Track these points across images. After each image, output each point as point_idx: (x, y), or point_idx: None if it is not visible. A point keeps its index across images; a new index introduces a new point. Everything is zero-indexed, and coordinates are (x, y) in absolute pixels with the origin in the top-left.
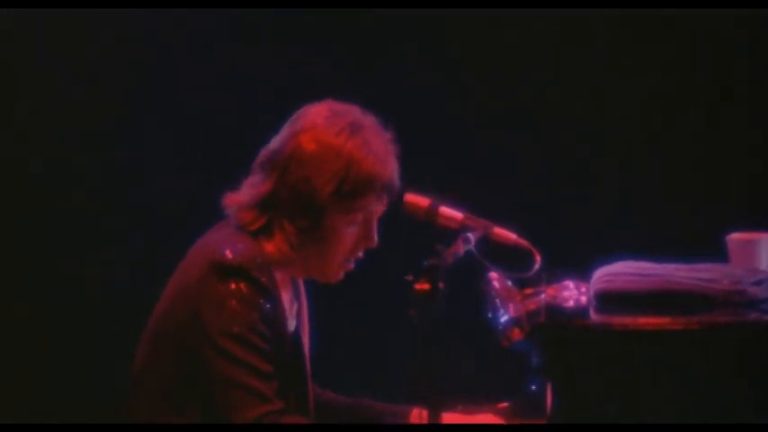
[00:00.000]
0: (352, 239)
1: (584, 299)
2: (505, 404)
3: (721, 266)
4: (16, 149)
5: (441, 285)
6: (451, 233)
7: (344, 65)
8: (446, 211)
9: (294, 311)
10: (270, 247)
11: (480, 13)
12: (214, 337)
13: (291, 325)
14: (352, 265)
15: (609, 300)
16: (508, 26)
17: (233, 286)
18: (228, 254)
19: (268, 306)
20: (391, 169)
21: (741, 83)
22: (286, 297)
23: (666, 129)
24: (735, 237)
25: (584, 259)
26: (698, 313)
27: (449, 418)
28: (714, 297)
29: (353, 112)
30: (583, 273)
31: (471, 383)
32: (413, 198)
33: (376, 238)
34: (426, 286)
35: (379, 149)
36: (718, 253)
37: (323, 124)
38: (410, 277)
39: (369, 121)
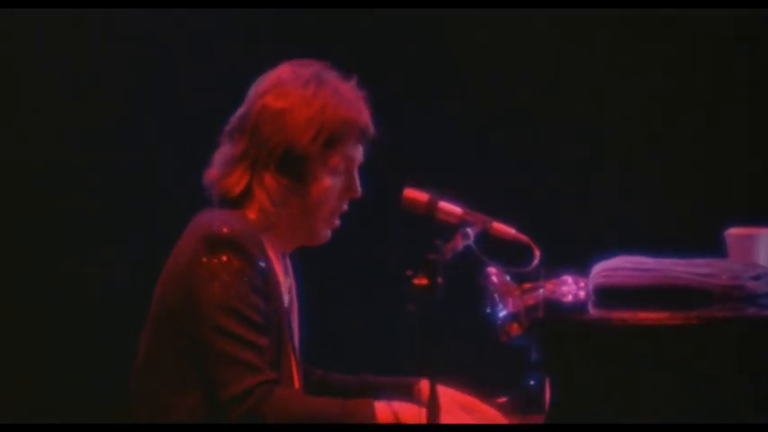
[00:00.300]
0: (335, 190)
1: (582, 294)
2: (504, 399)
3: (720, 261)
4: (16, 149)
5: (440, 280)
6: (450, 228)
7: (344, 65)
8: (445, 206)
9: (287, 287)
10: (253, 213)
11: (480, 13)
12: (206, 311)
13: (286, 300)
14: (338, 222)
15: (607, 295)
16: (508, 26)
17: (224, 259)
18: (216, 227)
19: (260, 278)
20: (365, 113)
21: (739, 81)
22: (279, 270)
23: (665, 125)
24: (733, 232)
25: (582, 254)
26: (696, 308)
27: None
28: (713, 292)
29: (315, 65)
30: (581, 268)
31: (470, 378)
32: (412, 193)
33: (359, 187)
34: (425, 281)
35: (348, 95)
36: (717, 248)
37: (287, 79)
38: (409, 272)
39: (332, 71)
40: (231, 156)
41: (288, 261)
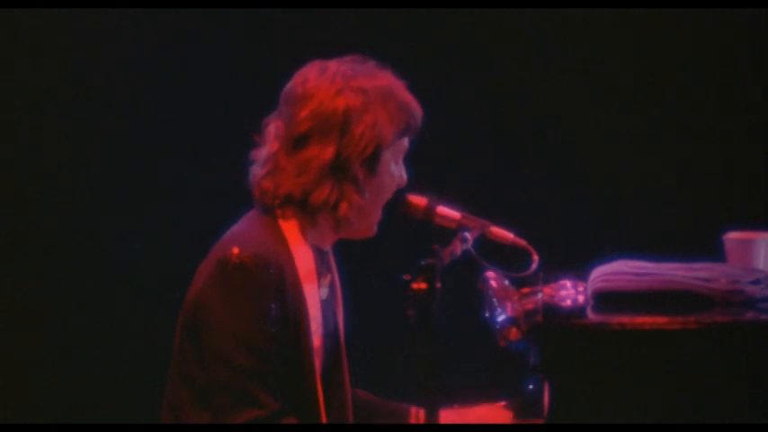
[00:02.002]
0: (397, 176)
1: (581, 298)
2: (503, 403)
3: (719, 266)
4: (18, 149)
5: (438, 285)
6: (449, 232)
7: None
8: (444, 210)
9: (327, 282)
10: (306, 213)
11: (479, 13)
12: (212, 336)
13: (323, 294)
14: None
15: (606, 299)
16: (507, 25)
17: (235, 285)
18: (233, 251)
19: (273, 301)
20: (417, 106)
21: (740, 83)
22: (311, 276)
23: (665, 129)
24: (732, 236)
25: (581, 259)
26: (695, 313)
27: (446, 416)
28: (711, 296)
29: (348, 58)
30: (580, 272)
31: (469, 383)
32: (411, 197)
33: (405, 176)
34: (424, 285)
35: (402, 89)
36: (716, 252)
37: (350, 72)
38: (407, 276)
39: (382, 68)
40: (317, 160)
41: (330, 256)
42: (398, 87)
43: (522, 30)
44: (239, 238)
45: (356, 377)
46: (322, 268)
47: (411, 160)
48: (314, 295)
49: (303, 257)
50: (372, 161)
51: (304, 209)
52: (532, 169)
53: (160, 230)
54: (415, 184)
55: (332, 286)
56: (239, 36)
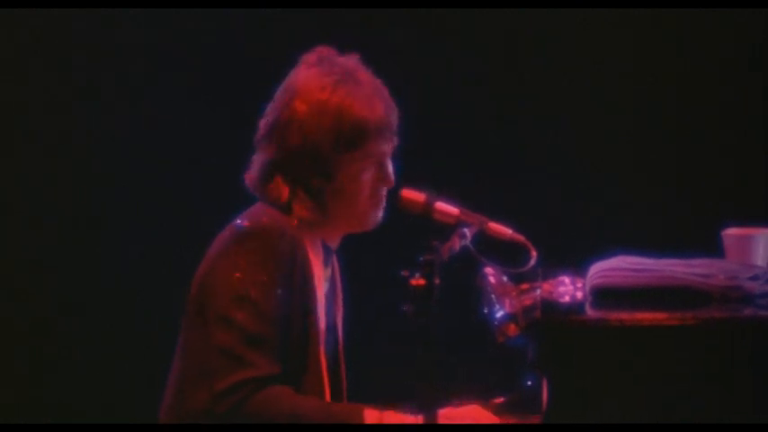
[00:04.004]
0: (366, 186)
1: (579, 294)
2: (501, 399)
3: (717, 262)
4: (21, 149)
5: (436, 281)
6: (447, 228)
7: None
8: (442, 206)
9: (329, 275)
10: (300, 213)
11: (478, 12)
12: (218, 299)
13: (324, 288)
14: (381, 208)
15: (605, 295)
16: (509, 24)
17: (248, 249)
18: (244, 221)
19: (282, 273)
20: (381, 109)
21: (738, 80)
22: (317, 264)
23: (663, 124)
24: (731, 232)
25: (579, 255)
26: (694, 309)
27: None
28: (710, 292)
29: (339, 64)
30: (579, 268)
31: (467, 379)
32: (409, 193)
33: (392, 177)
34: (422, 282)
35: (364, 92)
36: (715, 248)
37: (309, 83)
38: (406, 273)
39: (355, 68)
40: (266, 162)
41: (334, 258)
42: (357, 99)
43: (524, 28)
44: (251, 215)
45: (351, 375)
46: (326, 261)
47: (410, 155)
48: (319, 280)
49: (310, 243)
50: (317, 171)
51: (287, 208)
52: (531, 165)
53: (160, 231)
54: (413, 181)
55: (333, 284)
56: (239, 35)
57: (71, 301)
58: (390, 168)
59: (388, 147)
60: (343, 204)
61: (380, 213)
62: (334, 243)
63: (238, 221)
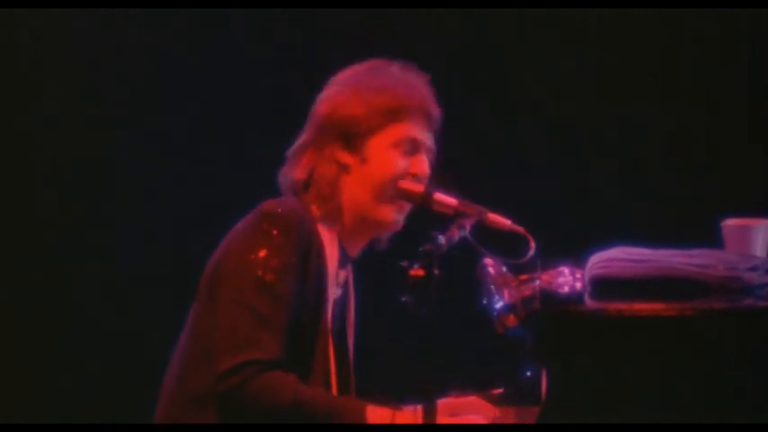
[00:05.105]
0: (395, 167)
1: (579, 285)
2: (500, 390)
3: (717, 252)
4: (24, 149)
5: (436, 271)
6: (446, 219)
7: (344, 64)
8: (441, 197)
9: (342, 280)
10: (313, 202)
11: (477, 11)
12: (234, 276)
13: (335, 293)
14: (400, 209)
15: (604, 286)
16: (510, 23)
17: (267, 231)
18: (271, 204)
19: (299, 259)
20: (421, 93)
21: (737, 71)
22: (332, 261)
23: (663, 115)
24: (730, 223)
25: (579, 245)
26: (693, 299)
27: (442, 405)
28: (709, 283)
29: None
30: (578, 259)
31: (466, 370)
32: (408, 184)
33: (425, 167)
34: (421, 272)
35: (403, 76)
36: (714, 239)
37: (348, 72)
38: (405, 263)
39: (394, 63)
40: (297, 146)
41: (350, 267)
42: (399, 80)
43: (525, 27)
44: (273, 201)
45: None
46: (341, 263)
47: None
48: (332, 278)
49: (327, 239)
50: (346, 140)
51: (307, 193)
52: (530, 155)
53: (160, 231)
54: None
55: (345, 293)
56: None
57: (71, 301)
58: (423, 160)
59: (422, 135)
60: (362, 190)
61: (396, 214)
62: (353, 249)
63: (261, 206)
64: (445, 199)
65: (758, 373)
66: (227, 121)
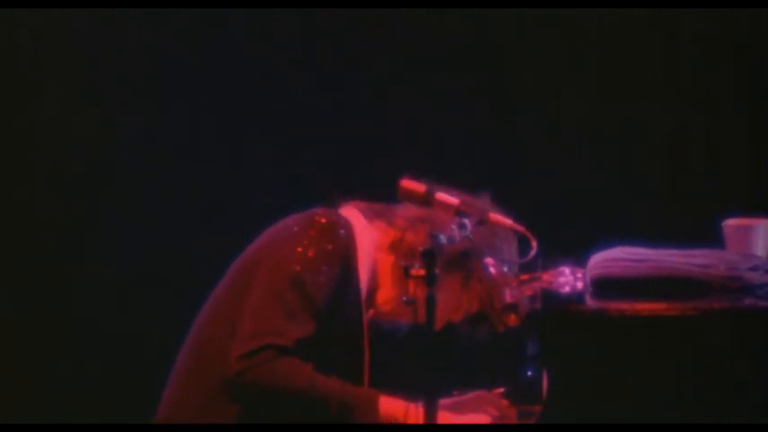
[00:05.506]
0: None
1: (580, 285)
2: (501, 390)
3: (717, 252)
4: (24, 149)
5: (437, 271)
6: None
7: (344, 63)
8: (442, 196)
9: None
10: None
11: (477, 11)
12: (268, 274)
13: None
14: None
15: (605, 285)
16: (511, 22)
17: (315, 235)
18: (324, 212)
19: (340, 270)
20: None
21: (737, 71)
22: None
23: (663, 115)
24: (731, 222)
25: (580, 245)
26: (694, 299)
27: (444, 403)
28: (710, 283)
29: None
30: (579, 258)
31: (468, 369)
32: (409, 184)
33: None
34: (422, 272)
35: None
36: (715, 239)
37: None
38: (406, 263)
39: None
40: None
41: None
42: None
43: (526, 26)
44: (329, 209)
45: None
46: None
47: (409, 147)
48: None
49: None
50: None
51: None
52: (532, 155)
53: (159, 231)
54: (414, 171)
55: None
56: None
57: (71, 301)
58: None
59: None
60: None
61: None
62: None
63: (315, 209)
64: (447, 198)
65: (758, 372)
66: (227, 121)
